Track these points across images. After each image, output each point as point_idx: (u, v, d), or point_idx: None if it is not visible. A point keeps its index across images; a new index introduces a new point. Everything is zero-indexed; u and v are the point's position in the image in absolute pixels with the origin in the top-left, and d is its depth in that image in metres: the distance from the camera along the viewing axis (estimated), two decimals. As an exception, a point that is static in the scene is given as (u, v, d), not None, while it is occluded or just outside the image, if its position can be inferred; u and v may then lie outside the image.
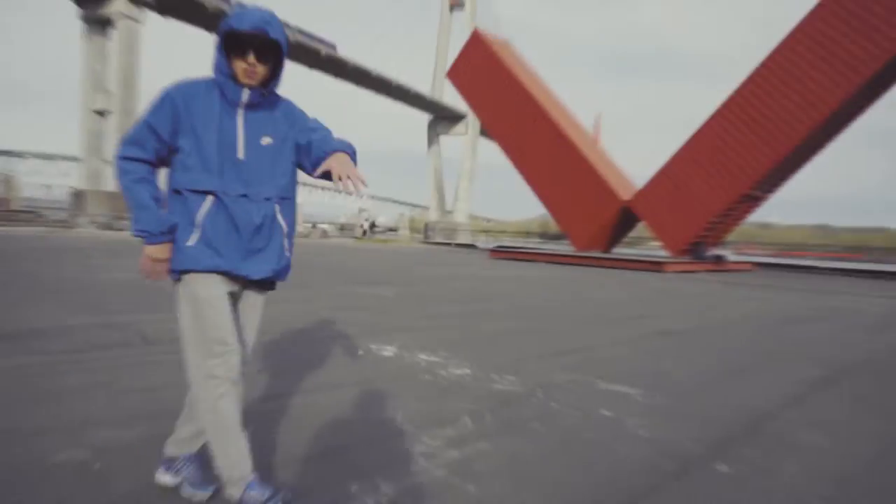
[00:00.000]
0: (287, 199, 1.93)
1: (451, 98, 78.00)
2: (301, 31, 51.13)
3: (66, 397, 3.04)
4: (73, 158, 53.06)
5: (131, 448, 2.44)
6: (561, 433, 2.91)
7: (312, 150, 1.86)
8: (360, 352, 4.55)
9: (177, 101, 1.75)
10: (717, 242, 21.27)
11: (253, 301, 1.98)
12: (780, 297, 11.03)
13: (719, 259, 19.77)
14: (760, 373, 4.51)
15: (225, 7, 43.26)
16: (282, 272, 1.95)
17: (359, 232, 43.01)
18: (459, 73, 25.25)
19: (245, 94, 1.77)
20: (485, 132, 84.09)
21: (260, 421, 2.87)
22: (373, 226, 46.91)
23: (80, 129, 37.24)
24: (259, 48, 1.72)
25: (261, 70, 1.76)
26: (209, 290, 1.77)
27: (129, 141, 1.77)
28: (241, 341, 1.91)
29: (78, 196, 36.24)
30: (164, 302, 6.44)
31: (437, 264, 16.60)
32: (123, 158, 1.77)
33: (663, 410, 3.36)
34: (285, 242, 1.93)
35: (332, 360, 4.22)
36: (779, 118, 17.00)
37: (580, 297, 9.43)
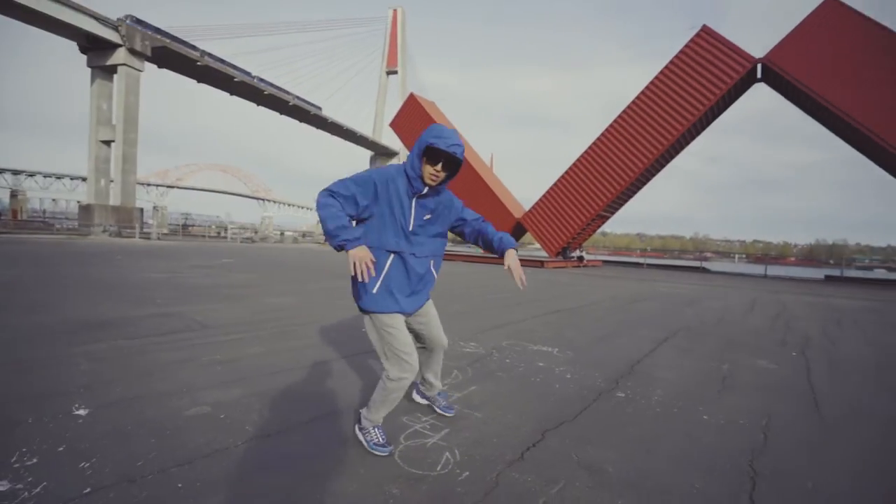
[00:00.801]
0: (438, 257, 2.09)
1: (387, 140, 77.74)
2: (301, 98, 52.37)
3: (168, 370, 3.01)
4: (81, 178, 47.56)
5: (239, 403, 2.51)
6: (517, 378, 3.25)
7: (483, 234, 2.13)
8: (363, 329, 4.67)
9: (378, 184, 1.86)
10: (578, 246, 22.81)
11: (425, 310, 2.15)
12: (624, 284, 12.06)
13: (581, 258, 21.20)
14: (626, 335, 4.97)
15: (212, 63, 40.67)
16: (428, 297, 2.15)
17: (322, 239, 42.19)
18: (399, 124, 25.34)
19: (425, 190, 1.88)
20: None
21: (332, 378, 3.02)
22: (332, 234, 45.96)
23: (88, 154, 33.50)
24: (446, 162, 1.83)
25: (442, 177, 1.87)
26: (391, 322, 1.95)
27: (338, 184, 1.85)
28: (436, 336, 2.21)
29: (86, 209, 32.52)
30: (197, 295, 6.20)
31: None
32: (331, 193, 1.83)
33: (575, 361, 3.76)
34: (432, 283, 2.11)
35: (357, 335, 4.25)
36: (617, 166, 18.58)
37: (494, 287, 9.72)
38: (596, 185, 19.01)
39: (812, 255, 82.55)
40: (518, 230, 22.59)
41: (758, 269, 25.01)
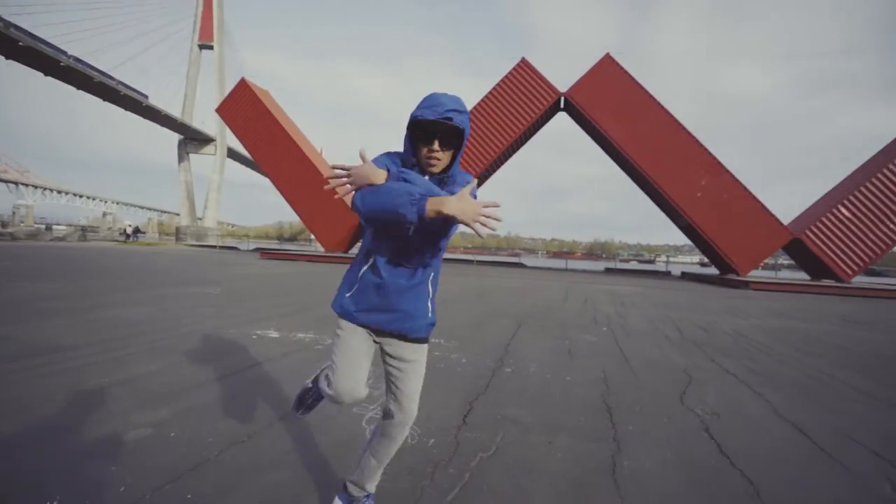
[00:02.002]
0: (434, 269, 1.56)
1: (200, 123, 68.49)
2: (122, 84, 47.07)
3: (55, 401, 2.64)
4: None
5: (180, 419, 2.47)
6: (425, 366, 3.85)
7: None
8: (254, 336, 4.59)
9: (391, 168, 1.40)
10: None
11: (410, 355, 1.59)
12: (465, 280, 13.59)
13: (421, 256, 22.77)
14: (490, 323, 5.97)
15: (78, 66, 29.70)
16: (424, 328, 1.56)
17: (122, 236, 35.04)
18: (227, 110, 22.90)
19: (425, 178, 1.36)
20: (232, 154, 76.04)
21: (257, 386, 3.10)
22: (137, 230, 38.36)
23: None
24: (443, 136, 1.35)
25: (444, 157, 1.39)
26: (346, 332, 1.54)
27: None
28: (406, 397, 1.61)
29: None
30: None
31: (223, 264, 14.93)
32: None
33: (462, 348, 4.50)
34: (429, 305, 1.57)
35: (246, 345, 4.13)
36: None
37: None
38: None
39: (591, 251, 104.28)
40: (362, 228, 22.88)
41: (559, 263, 30.76)
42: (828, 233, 16.93)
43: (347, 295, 1.56)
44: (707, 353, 4.88)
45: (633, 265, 41.92)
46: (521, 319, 6.51)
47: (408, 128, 1.40)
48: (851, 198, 16.87)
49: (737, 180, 17.60)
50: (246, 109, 22.41)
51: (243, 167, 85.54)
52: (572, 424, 2.70)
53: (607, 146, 20.64)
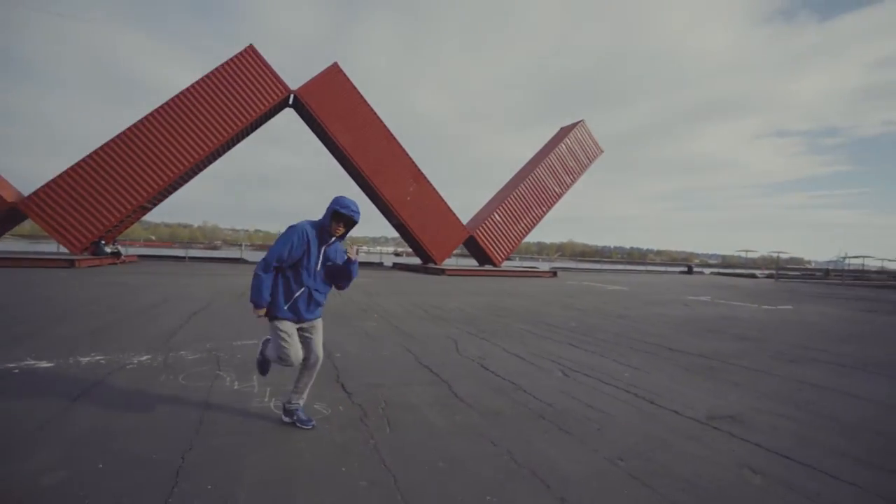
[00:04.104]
0: (328, 290, 2.93)
1: None
2: None
3: None
4: None
5: (79, 458, 2.38)
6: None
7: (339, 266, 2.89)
8: (16, 370, 3.70)
9: (304, 234, 2.72)
10: (113, 240, 19.62)
11: (316, 325, 2.91)
12: (202, 280, 12.30)
13: (117, 254, 18.39)
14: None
15: None
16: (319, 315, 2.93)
17: None
18: None
19: (332, 240, 2.81)
20: None
21: (129, 405, 3.05)
22: None
23: None
24: (346, 222, 2.80)
25: (342, 231, 2.82)
26: (288, 329, 2.76)
27: (265, 263, 2.71)
28: (315, 347, 2.88)
29: None
30: None
31: None
32: (262, 272, 2.70)
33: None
34: (321, 307, 2.92)
35: (24, 382, 3.44)
36: (165, 158, 17.75)
37: (92, 299, 7.93)
38: (138, 176, 17.29)
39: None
40: (13, 217, 16.69)
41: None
42: (489, 231, 23.92)
43: (285, 307, 2.79)
44: (451, 323, 7.08)
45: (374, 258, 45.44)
46: (388, 317, 7.21)
47: (332, 212, 2.74)
48: (501, 207, 24.37)
49: (433, 188, 22.47)
50: None
51: None
52: (414, 379, 4.02)
53: (332, 147, 22.26)
